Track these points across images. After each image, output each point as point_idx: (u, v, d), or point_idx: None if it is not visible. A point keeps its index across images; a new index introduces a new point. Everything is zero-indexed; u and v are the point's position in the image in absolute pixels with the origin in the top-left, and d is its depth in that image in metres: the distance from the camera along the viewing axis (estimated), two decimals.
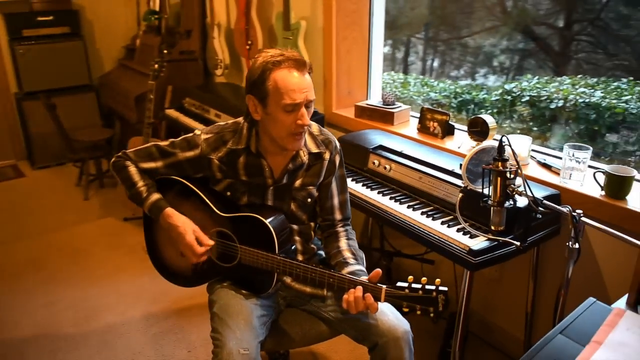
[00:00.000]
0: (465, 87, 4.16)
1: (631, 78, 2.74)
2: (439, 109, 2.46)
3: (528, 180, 1.61)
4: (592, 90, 2.83)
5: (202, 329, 2.44)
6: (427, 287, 1.38)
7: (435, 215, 1.90)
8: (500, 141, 1.65)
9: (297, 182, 1.64)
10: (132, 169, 1.64)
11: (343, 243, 1.67)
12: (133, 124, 3.85)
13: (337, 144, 1.70)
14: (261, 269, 1.55)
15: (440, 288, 1.37)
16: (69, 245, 3.22)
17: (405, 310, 1.41)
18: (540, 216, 1.75)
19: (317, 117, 2.91)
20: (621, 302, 1.48)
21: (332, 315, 1.63)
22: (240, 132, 1.60)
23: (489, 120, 2.29)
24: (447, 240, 1.77)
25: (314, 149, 1.63)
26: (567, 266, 1.51)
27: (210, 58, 3.78)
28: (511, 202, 1.66)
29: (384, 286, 1.40)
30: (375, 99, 3.04)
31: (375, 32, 2.95)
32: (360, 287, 1.41)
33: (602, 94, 2.72)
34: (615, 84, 2.85)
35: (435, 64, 5.01)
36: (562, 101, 2.83)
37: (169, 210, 1.59)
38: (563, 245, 2.04)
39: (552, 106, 2.86)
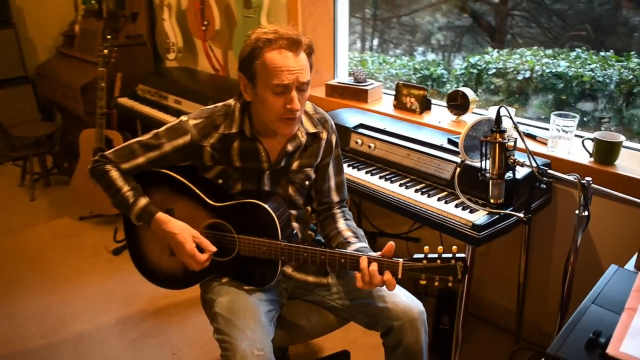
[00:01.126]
0: (423, 62, 4.15)
1: (584, 48, 2.80)
2: (416, 84, 2.41)
3: (517, 151, 1.58)
4: (554, 61, 2.87)
5: (184, 329, 2.30)
6: (444, 255, 1.32)
7: (430, 192, 1.85)
8: (498, 112, 1.61)
9: (295, 165, 1.53)
10: (114, 174, 1.48)
11: (341, 224, 1.59)
12: (78, 116, 3.57)
13: (332, 122, 1.60)
14: (263, 258, 1.45)
15: (458, 255, 1.32)
16: (22, 251, 2.96)
17: (423, 282, 1.35)
18: (545, 186, 1.73)
19: None
20: (629, 265, 1.48)
21: (339, 303, 1.54)
22: (232, 115, 1.47)
23: (469, 93, 2.26)
24: (447, 216, 1.73)
25: (311, 129, 1.53)
26: (576, 234, 1.48)
27: (161, 42, 3.56)
28: (510, 174, 1.63)
29: (401, 259, 1.32)
30: (343, 77, 2.95)
31: (340, 7, 2.85)
32: (375, 263, 1.33)
33: (567, 64, 2.75)
34: (574, 53, 2.89)
35: (375, 42, 5.00)
36: (528, 72, 2.85)
37: (162, 215, 1.45)
38: (552, 214, 2.06)
39: (520, 77, 2.87)
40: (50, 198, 3.63)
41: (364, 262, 1.33)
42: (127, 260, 2.82)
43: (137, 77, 3.33)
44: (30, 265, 2.82)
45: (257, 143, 1.47)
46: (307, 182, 1.56)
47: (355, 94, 2.61)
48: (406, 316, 1.43)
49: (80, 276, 2.70)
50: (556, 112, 1.92)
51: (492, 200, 1.66)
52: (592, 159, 1.88)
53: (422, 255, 1.32)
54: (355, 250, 1.45)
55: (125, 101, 3.19)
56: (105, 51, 2.95)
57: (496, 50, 3.31)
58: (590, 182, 1.45)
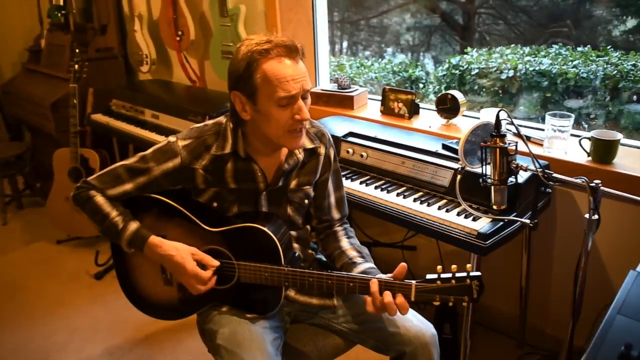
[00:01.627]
0: (401, 64, 4.12)
1: (560, 44, 2.80)
2: (403, 89, 2.36)
3: (518, 155, 1.54)
4: (536, 58, 2.86)
5: (177, 355, 2.20)
6: (459, 275, 1.25)
7: (429, 201, 1.79)
8: (498, 116, 1.56)
9: (293, 183, 1.45)
10: (100, 199, 1.38)
11: (345, 242, 1.51)
12: (49, 135, 3.42)
13: (329, 135, 1.53)
14: (265, 285, 1.36)
15: (472, 274, 1.25)
16: None
17: (436, 304, 1.28)
18: (550, 190, 1.70)
19: None
20: None
21: (345, 326, 1.47)
22: (223, 134, 1.38)
23: (458, 95, 2.22)
24: (450, 226, 1.67)
25: (309, 144, 1.45)
26: (587, 238, 1.45)
27: (133, 54, 3.42)
28: (512, 179, 1.59)
29: (414, 282, 1.26)
30: (325, 84, 2.88)
31: (319, 12, 2.78)
32: (388, 293, 1.26)
33: (550, 61, 2.74)
34: (553, 50, 2.89)
35: (344, 45, 4.97)
36: (512, 71, 2.83)
37: (155, 239, 1.35)
38: (552, 216, 2.03)
39: (503, 77, 2.85)
40: (24, 221, 3.47)
41: (374, 285, 1.25)
42: (110, 284, 2.72)
43: (110, 91, 3.20)
44: (5, 295, 2.66)
45: (252, 163, 1.38)
46: (306, 201, 1.49)
47: (341, 101, 2.55)
48: (418, 341, 1.36)
49: (61, 304, 2.57)
50: (550, 112, 1.89)
51: (494, 207, 1.62)
52: (589, 158, 1.85)
53: (435, 276, 1.25)
54: (362, 272, 1.38)
55: (99, 117, 3.06)
56: (77, 66, 2.82)
57: (475, 50, 3.29)
58: (600, 184, 1.41)
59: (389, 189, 1.90)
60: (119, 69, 3.59)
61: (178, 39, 3.00)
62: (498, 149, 1.55)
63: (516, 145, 1.56)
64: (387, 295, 1.25)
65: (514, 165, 1.55)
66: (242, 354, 1.27)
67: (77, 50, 2.95)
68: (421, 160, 1.92)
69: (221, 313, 1.41)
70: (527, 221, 1.59)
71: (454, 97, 2.22)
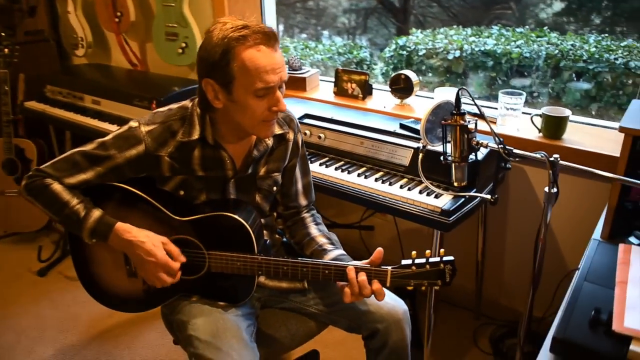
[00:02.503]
0: (345, 46, 4.11)
1: (500, 26, 2.89)
2: (356, 69, 2.35)
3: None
4: (480, 39, 2.92)
5: (135, 350, 2.12)
6: (433, 260, 1.28)
7: (391, 180, 1.80)
8: (458, 95, 1.58)
9: (262, 170, 1.42)
10: (57, 187, 1.29)
11: (313, 229, 1.50)
12: None
13: (297, 120, 1.49)
14: (237, 274, 1.33)
15: (445, 258, 1.29)
16: None
17: (410, 288, 1.30)
18: (510, 166, 1.74)
19: None
20: (596, 235, 1.53)
21: (317, 308, 1.46)
22: (190, 120, 1.31)
23: (412, 75, 2.24)
24: (413, 204, 1.69)
25: (278, 130, 1.42)
26: (546, 210, 1.50)
27: (67, 37, 3.21)
28: (472, 156, 1.63)
29: (389, 268, 1.26)
30: None
31: None
32: (363, 273, 1.26)
33: (495, 42, 2.81)
34: (494, 32, 2.97)
35: (281, 28, 4.93)
36: (458, 51, 2.88)
37: (122, 225, 1.28)
38: (505, 191, 2.10)
39: (450, 57, 2.90)
40: None
41: (352, 272, 1.25)
42: (57, 280, 2.58)
43: (43, 77, 2.99)
44: None
45: (220, 150, 1.33)
46: (274, 188, 1.46)
47: (293, 83, 2.51)
48: (391, 317, 1.38)
49: (4, 305, 2.41)
50: (503, 91, 1.95)
51: (455, 184, 1.64)
52: (540, 134, 1.92)
53: (409, 262, 1.27)
54: (333, 259, 1.37)
55: (33, 105, 2.86)
56: (6, 50, 2.62)
57: (420, 31, 3.33)
58: (558, 159, 1.46)
59: (350, 169, 1.90)
60: (51, 52, 3.37)
61: (117, 20, 2.85)
62: (458, 127, 1.58)
63: (476, 123, 1.59)
64: (362, 276, 1.25)
65: (475, 143, 1.58)
66: (217, 343, 1.23)
67: (2, 34, 2.74)
68: (380, 140, 1.92)
69: (191, 303, 1.36)
70: (488, 196, 1.63)
71: (407, 77, 2.24)
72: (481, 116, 1.57)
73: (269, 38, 1.18)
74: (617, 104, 2.50)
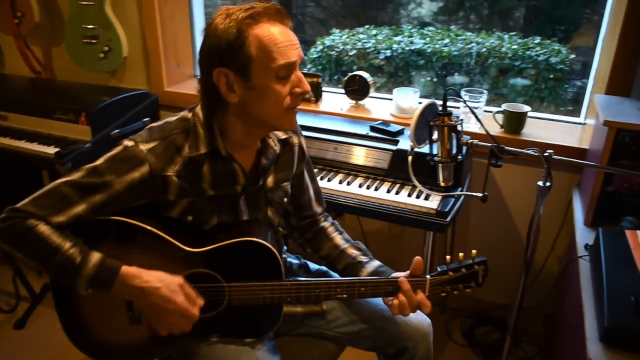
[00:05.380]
0: None
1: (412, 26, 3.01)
2: (308, 72, 2.27)
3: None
4: (407, 39, 2.99)
5: None
6: (467, 262, 1.26)
7: (377, 186, 1.76)
8: (445, 96, 1.58)
9: (270, 181, 1.28)
10: (43, 228, 1.05)
11: (340, 240, 1.40)
12: None
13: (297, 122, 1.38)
14: (261, 305, 1.19)
15: (478, 259, 1.27)
16: None
17: (443, 295, 1.27)
18: (502, 164, 1.77)
19: (150, 99, 2.39)
20: (579, 222, 1.62)
21: (337, 331, 1.36)
22: (194, 131, 1.15)
23: (367, 76, 2.21)
24: (406, 208, 1.67)
25: (282, 134, 1.30)
26: (538, 203, 1.55)
27: None
28: (460, 156, 1.64)
29: (428, 276, 1.22)
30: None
31: None
32: (406, 282, 1.20)
33: (423, 41, 2.89)
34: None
35: None
36: (389, 51, 2.92)
37: (128, 269, 1.08)
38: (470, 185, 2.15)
39: (382, 57, 2.93)
40: None
41: (406, 284, 1.18)
42: (44, 324, 2.13)
43: None
44: None
45: (232, 163, 1.18)
46: (285, 199, 1.33)
47: None
48: (419, 333, 1.33)
49: None
50: (466, 89, 1.99)
51: (442, 184, 1.65)
52: (502, 130, 2.00)
53: (445, 267, 1.24)
54: (372, 272, 1.29)
55: None
56: None
57: (337, 30, 3.33)
58: (552, 154, 1.52)
59: (329, 177, 1.82)
60: None
61: (17, 21, 2.46)
62: (446, 127, 1.58)
63: (462, 123, 1.60)
64: (407, 285, 1.19)
65: (465, 142, 1.59)
66: None
67: None
68: (355, 144, 1.87)
69: (211, 344, 1.20)
70: (479, 195, 1.65)
71: (362, 78, 2.21)
72: (475, 116, 1.59)
73: (282, 14, 1.07)
74: (540, 97, 2.70)
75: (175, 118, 1.17)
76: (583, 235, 1.56)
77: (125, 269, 1.08)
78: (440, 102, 1.51)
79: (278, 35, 1.05)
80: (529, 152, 1.52)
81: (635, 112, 1.57)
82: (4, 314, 2.26)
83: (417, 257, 1.22)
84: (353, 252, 1.36)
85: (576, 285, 1.47)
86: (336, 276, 1.39)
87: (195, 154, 1.14)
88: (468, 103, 2.00)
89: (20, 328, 2.19)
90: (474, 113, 1.57)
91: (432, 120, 1.61)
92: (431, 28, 2.98)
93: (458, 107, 2.08)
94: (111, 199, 1.09)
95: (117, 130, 2.20)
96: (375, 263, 1.32)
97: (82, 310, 1.19)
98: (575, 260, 1.49)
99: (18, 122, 2.25)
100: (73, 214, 1.07)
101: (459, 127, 1.58)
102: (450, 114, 1.57)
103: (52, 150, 2.06)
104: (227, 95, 1.09)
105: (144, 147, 1.11)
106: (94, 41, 2.37)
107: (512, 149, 1.55)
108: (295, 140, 1.33)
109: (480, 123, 1.56)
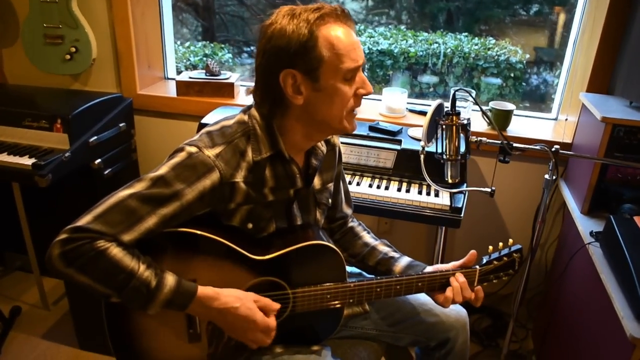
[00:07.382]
0: (206, 47, 3.89)
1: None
2: None
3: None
4: (370, 39, 3.05)
5: None
6: (506, 251, 1.32)
7: (386, 185, 1.79)
8: (454, 96, 1.64)
9: (317, 182, 1.26)
10: (115, 251, 0.96)
11: (369, 238, 1.41)
12: None
13: None
14: (324, 309, 1.18)
15: (514, 247, 1.34)
16: None
17: (485, 285, 1.32)
18: (509, 160, 1.85)
19: (125, 104, 2.25)
20: (576, 211, 1.74)
21: (380, 330, 1.38)
22: (254, 134, 1.11)
23: None
24: (420, 205, 1.71)
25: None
26: (545, 196, 1.65)
27: None
28: (469, 153, 1.71)
29: (477, 267, 1.27)
30: (172, 73, 2.57)
31: None
32: (460, 274, 1.24)
33: (389, 42, 2.96)
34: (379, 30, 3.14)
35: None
36: None
37: (206, 289, 1.04)
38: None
39: None
40: None
41: (461, 277, 1.22)
42: (23, 346, 1.89)
43: None
44: None
45: (292, 165, 1.16)
46: (330, 201, 1.32)
47: (219, 90, 2.29)
48: (459, 324, 1.37)
49: None
50: (456, 88, 2.07)
51: (450, 181, 1.71)
52: (489, 127, 2.10)
53: (488, 258, 1.29)
54: (406, 266, 1.32)
55: None
56: None
57: None
58: (559, 149, 1.62)
59: None
60: None
61: None
62: (455, 127, 1.64)
63: (469, 122, 1.67)
64: (461, 277, 1.24)
65: (474, 140, 1.66)
66: None
67: None
68: (358, 144, 1.89)
69: (276, 356, 1.17)
70: (488, 190, 1.73)
71: None
72: (485, 116, 1.65)
73: (347, 17, 1.07)
74: (501, 95, 2.86)
75: (233, 121, 1.13)
76: (584, 223, 1.67)
77: (202, 291, 1.03)
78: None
79: (346, 37, 1.05)
80: (537, 148, 1.62)
81: (623, 108, 1.72)
82: None
83: (473, 251, 1.26)
84: (384, 248, 1.38)
85: (587, 270, 1.58)
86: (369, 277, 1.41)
87: (259, 158, 1.10)
88: (458, 102, 2.09)
89: None
90: (484, 112, 1.64)
91: (441, 120, 1.67)
92: (383, 28, 3.04)
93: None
94: (182, 210, 1.03)
95: (94, 138, 2.07)
96: (407, 258, 1.36)
97: (140, 335, 1.11)
98: (583, 247, 1.60)
99: None
100: (144, 230, 0.99)
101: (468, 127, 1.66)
102: (459, 114, 1.63)
103: (26, 161, 1.88)
104: (293, 98, 1.06)
105: (209, 152, 1.05)
106: (58, 41, 2.20)
107: (520, 145, 1.64)
108: (336, 140, 1.33)
109: (491, 122, 1.62)
